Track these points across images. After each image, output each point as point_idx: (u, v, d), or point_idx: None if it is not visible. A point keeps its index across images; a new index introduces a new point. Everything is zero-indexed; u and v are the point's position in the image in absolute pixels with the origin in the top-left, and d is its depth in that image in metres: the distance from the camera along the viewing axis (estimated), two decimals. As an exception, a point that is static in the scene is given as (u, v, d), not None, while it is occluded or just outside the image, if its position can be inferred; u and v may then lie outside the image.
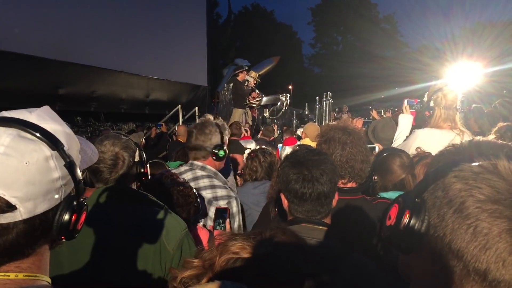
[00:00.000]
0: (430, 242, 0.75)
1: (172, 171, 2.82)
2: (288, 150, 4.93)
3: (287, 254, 1.13)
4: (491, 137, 0.86)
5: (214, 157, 2.88)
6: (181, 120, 11.95)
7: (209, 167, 2.87)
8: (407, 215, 0.77)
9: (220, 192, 2.77)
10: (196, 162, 2.89)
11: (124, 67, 14.01)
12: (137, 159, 2.06)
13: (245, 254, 1.09)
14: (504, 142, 0.81)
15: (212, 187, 2.78)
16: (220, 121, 3.03)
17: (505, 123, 4.96)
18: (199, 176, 2.83)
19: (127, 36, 13.96)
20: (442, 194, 0.75)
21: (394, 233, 0.80)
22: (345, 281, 1.49)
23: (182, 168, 2.89)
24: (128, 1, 14.29)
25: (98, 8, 12.73)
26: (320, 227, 1.68)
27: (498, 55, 25.32)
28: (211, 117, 3.06)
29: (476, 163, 0.73)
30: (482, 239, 0.67)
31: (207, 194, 2.74)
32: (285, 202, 1.79)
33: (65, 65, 11.39)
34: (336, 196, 1.78)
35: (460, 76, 11.13)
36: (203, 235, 2.38)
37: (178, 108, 12.12)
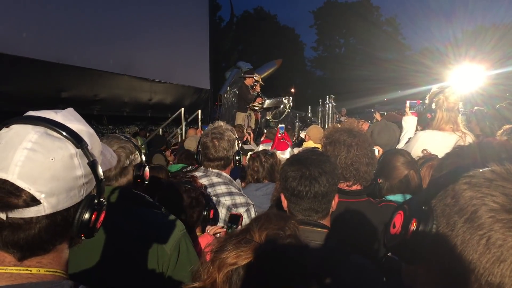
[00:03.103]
0: (438, 253, 0.71)
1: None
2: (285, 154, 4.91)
3: (288, 255, 1.11)
4: (503, 138, 0.81)
5: (238, 164, 2.88)
6: (183, 123, 11.95)
7: (224, 174, 2.85)
8: (414, 224, 0.72)
9: (239, 199, 2.74)
10: (211, 169, 2.85)
11: (127, 70, 14.04)
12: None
13: (243, 261, 1.08)
14: None
15: (230, 194, 2.76)
16: (226, 125, 3.01)
17: (510, 125, 4.94)
18: (215, 182, 2.80)
19: (130, 39, 13.98)
20: (452, 202, 0.70)
21: (400, 242, 0.75)
22: (344, 284, 1.47)
23: (196, 174, 2.84)
24: (130, 5, 14.31)
25: (100, 11, 12.75)
26: (319, 229, 1.66)
27: (500, 57, 25.27)
28: (221, 123, 3.02)
29: (488, 168, 0.68)
30: (496, 251, 0.63)
31: (226, 201, 2.72)
32: (284, 203, 1.78)
33: (67, 68, 11.41)
34: (336, 198, 1.76)
35: (463, 78, 11.12)
36: (205, 240, 2.37)
37: (181, 111, 12.12)
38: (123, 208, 1.87)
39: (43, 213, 0.87)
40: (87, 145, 0.95)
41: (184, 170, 4.09)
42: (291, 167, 1.73)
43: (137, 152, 2.05)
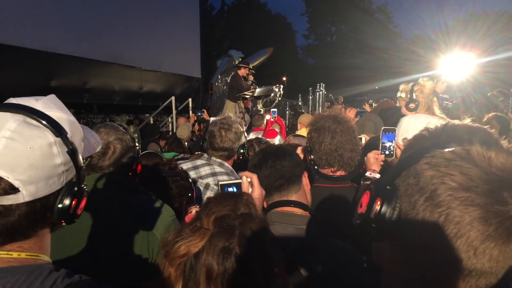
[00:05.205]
0: (401, 230, 0.73)
1: (187, 163, 2.84)
2: (275, 141, 4.93)
3: (236, 236, 1.05)
4: (467, 120, 0.82)
5: (241, 157, 2.88)
6: (174, 112, 11.91)
7: (226, 164, 2.86)
8: (378, 203, 0.74)
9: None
10: (214, 158, 2.86)
11: (117, 58, 13.91)
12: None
13: (193, 251, 1.04)
14: (479, 126, 0.79)
15: None
16: (235, 117, 3.03)
17: (494, 113, 5.05)
18: (218, 172, 2.82)
19: (120, 27, 13.84)
20: (414, 181, 0.72)
21: (365, 221, 0.77)
22: (322, 266, 1.51)
23: (199, 162, 2.87)
24: (120, -8, 14.15)
25: (90, -1, 12.61)
26: (299, 213, 1.68)
27: (491, 45, 25.39)
28: (231, 114, 3.03)
29: (449, 149, 0.71)
30: (453, 228, 0.66)
31: None
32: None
33: (56, 56, 11.29)
34: (306, 177, 1.83)
35: (454, 66, 11.18)
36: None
37: (171, 99, 12.06)
38: (113, 194, 1.90)
39: (22, 201, 0.89)
40: (67, 133, 0.95)
41: (176, 158, 4.12)
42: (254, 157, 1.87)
43: (133, 144, 2.07)
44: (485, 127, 0.80)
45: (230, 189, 1.70)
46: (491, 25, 32.85)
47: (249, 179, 1.61)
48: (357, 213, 0.81)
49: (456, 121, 0.81)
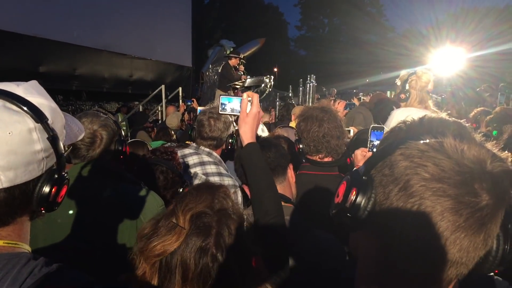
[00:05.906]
0: (375, 220, 0.74)
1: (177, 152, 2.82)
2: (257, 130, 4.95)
3: (212, 238, 1.05)
4: (443, 114, 0.85)
5: (229, 147, 2.88)
6: (164, 100, 11.87)
7: (215, 154, 2.87)
8: (354, 193, 0.75)
9: (227, 181, 2.75)
10: (202, 147, 2.87)
11: (107, 46, 13.75)
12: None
13: (169, 250, 1.04)
14: (455, 119, 0.80)
15: (219, 174, 2.77)
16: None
17: (482, 108, 5.13)
18: (206, 161, 2.81)
19: (110, 14, 13.68)
20: (388, 172, 0.74)
21: (341, 210, 0.78)
22: (303, 256, 1.52)
23: (187, 151, 2.86)
24: (111, -22, 13.97)
25: (80, -16, 12.42)
26: (282, 204, 1.68)
27: (480, 40, 25.58)
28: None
29: (423, 141, 0.72)
30: (425, 218, 0.67)
31: (215, 181, 2.70)
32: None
33: (45, 42, 11.14)
34: (291, 169, 1.86)
35: (444, 61, 11.27)
36: None
37: (161, 88, 12.01)
38: (102, 182, 1.90)
39: (0, 187, 0.87)
40: (47, 119, 0.93)
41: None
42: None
43: (117, 128, 2.06)
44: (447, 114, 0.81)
45: (230, 102, 1.76)
46: (481, 20, 33.09)
47: (249, 98, 1.65)
48: (333, 203, 0.82)
49: (433, 115, 0.83)
